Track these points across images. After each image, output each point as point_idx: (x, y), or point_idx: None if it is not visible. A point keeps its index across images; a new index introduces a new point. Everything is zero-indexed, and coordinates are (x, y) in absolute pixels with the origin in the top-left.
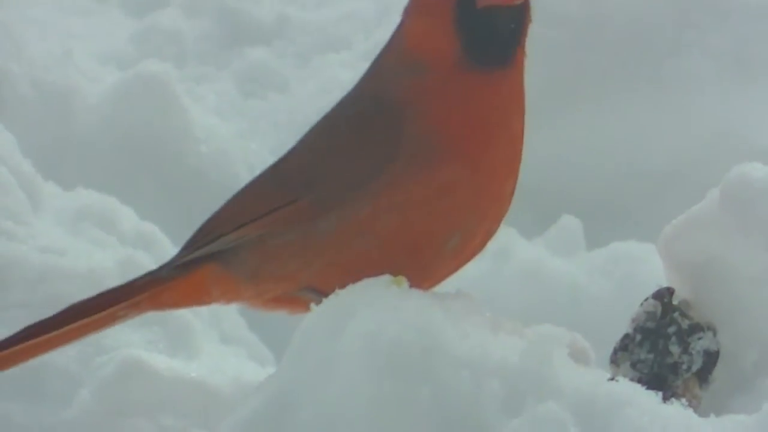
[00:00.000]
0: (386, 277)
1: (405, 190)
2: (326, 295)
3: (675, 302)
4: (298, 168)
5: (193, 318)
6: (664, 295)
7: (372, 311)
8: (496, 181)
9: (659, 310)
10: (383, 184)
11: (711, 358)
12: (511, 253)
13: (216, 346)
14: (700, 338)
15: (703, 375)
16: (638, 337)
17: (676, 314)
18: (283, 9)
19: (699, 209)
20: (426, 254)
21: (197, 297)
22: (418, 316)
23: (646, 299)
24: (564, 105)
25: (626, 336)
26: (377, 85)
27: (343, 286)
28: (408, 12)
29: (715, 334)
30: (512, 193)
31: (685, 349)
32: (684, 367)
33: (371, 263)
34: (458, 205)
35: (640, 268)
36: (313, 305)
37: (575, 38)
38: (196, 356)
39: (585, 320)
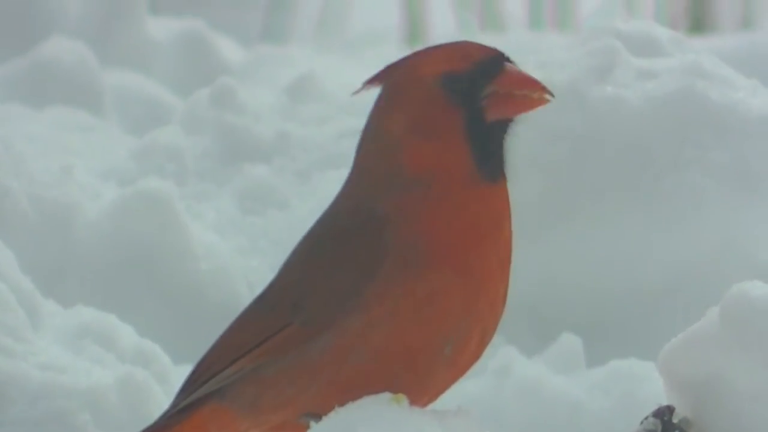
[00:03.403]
0: (386, 395)
1: (395, 299)
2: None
3: (675, 420)
4: (284, 291)
5: None
6: (664, 413)
7: (371, 429)
8: (488, 286)
9: (660, 428)
10: (372, 295)
11: None
12: (511, 370)
13: None
14: None
15: None
16: None
17: None
18: (283, 126)
19: (699, 327)
20: (422, 363)
21: None
22: None
23: (647, 417)
24: (563, 220)
25: None
26: (358, 199)
27: (342, 405)
28: (406, 132)
29: None
30: (505, 297)
31: None
32: None
33: (368, 378)
34: (450, 311)
35: (640, 386)
36: (312, 422)
37: (574, 153)
38: None
39: None
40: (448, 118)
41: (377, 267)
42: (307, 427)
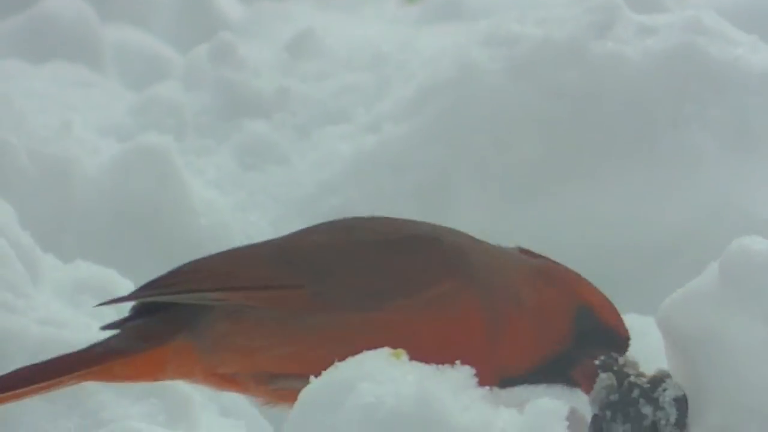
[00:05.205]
0: (385, 350)
1: (409, 329)
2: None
3: (622, 362)
4: (312, 257)
5: (193, 391)
6: (612, 365)
7: (371, 384)
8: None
9: (614, 380)
10: (390, 313)
11: (681, 404)
12: None
13: (215, 418)
14: (665, 390)
15: (680, 422)
16: (608, 413)
17: (632, 377)
18: (283, 81)
19: (698, 282)
20: None
21: (152, 373)
22: (418, 388)
23: (598, 376)
24: (562, 178)
25: (596, 417)
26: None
27: (301, 378)
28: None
29: (671, 379)
30: None
31: (657, 406)
32: (662, 422)
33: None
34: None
35: (639, 341)
36: (312, 377)
37: (573, 111)
38: (195, 429)
39: None
40: (556, 330)
41: (415, 290)
42: (255, 386)
